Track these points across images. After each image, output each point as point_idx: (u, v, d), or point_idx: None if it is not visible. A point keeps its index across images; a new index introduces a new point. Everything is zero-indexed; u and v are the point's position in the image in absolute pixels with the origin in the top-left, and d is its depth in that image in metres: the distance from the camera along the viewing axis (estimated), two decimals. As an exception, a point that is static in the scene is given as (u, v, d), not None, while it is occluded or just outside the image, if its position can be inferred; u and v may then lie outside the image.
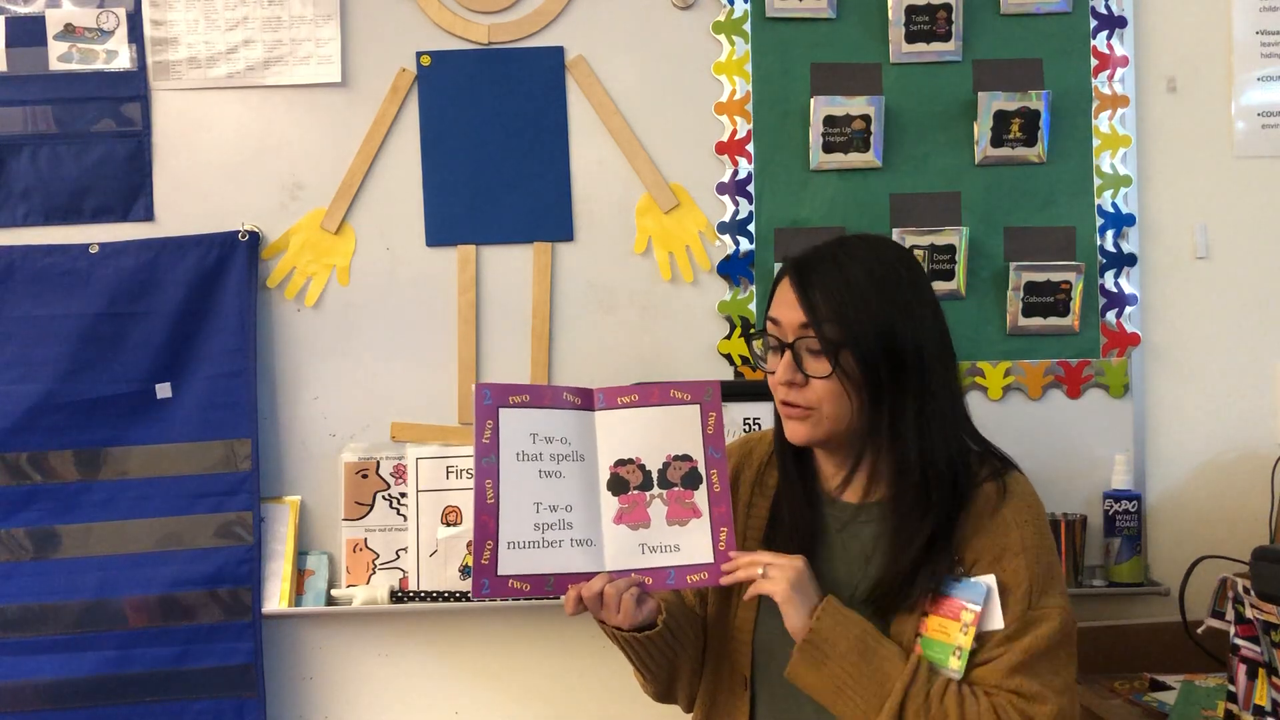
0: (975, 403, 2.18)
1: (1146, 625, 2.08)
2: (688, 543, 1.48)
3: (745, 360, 2.18)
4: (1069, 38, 2.20)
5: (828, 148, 2.17)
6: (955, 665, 1.38)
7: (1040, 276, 2.17)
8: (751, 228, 2.19)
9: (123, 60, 2.19)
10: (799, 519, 1.51)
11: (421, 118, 2.19)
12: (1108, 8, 2.20)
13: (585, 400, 1.53)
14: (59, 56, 2.18)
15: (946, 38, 2.18)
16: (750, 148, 2.19)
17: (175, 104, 2.20)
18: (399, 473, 2.16)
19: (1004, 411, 2.18)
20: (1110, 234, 2.19)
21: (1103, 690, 1.90)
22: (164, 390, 2.14)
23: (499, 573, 1.42)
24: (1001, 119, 2.16)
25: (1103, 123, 2.20)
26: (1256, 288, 2.22)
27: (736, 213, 2.19)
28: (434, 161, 2.19)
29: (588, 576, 1.44)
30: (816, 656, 1.39)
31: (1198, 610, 1.84)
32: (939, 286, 2.16)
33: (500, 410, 1.48)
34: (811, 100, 2.17)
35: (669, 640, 1.50)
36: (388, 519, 2.16)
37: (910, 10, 2.17)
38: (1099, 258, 2.19)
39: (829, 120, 2.17)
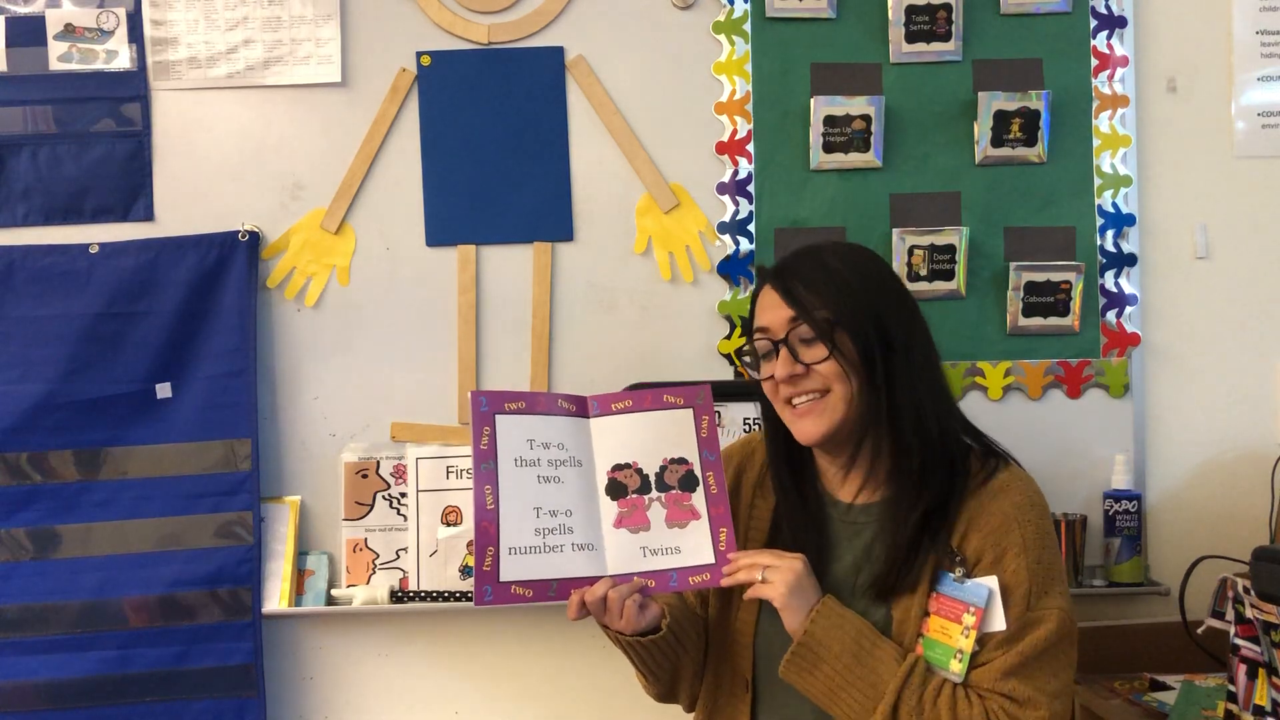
0: (975, 403, 2.18)
1: (1146, 625, 2.08)
2: (688, 544, 1.48)
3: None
4: (1069, 38, 2.19)
5: (828, 148, 2.17)
6: (956, 668, 1.38)
7: (1040, 276, 2.17)
8: (751, 228, 2.19)
9: (123, 60, 2.19)
10: (799, 529, 1.51)
11: (421, 118, 2.19)
12: (1108, 8, 2.20)
13: (579, 407, 1.54)
14: (59, 56, 2.18)
15: (946, 38, 2.18)
16: (750, 148, 2.19)
17: (175, 104, 2.20)
18: (399, 473, 2.16)
19: (1004, 411, 2.18)
20: (1110, 234, 2.19)
21: (1103, 690, 1.90)
22: (164, 390, 2.14)
23: (501, 578, 1.42)
24: (1001, 119, 2.16)
25: (1103, 123, 2.20)
26: (1256, 288, 2.22)
27: (736, 213, 2.19)
28: (434, 161, 2.19)
29: (590, 580, 1.44)
30: (810, 659, 1.39)
31: (1198, 610, 1.84)
32: (939, 286, 2.17)
33: (497, 417, 1.48)
34: (811, 100, 2.17)
35: (672, 643, 1.51)
36: (388, 519, 2.16)
37: (910, 10, 2.17)
38: (1099, 258, 2.19)
39: (829, 120, 2.17)
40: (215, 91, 2.20)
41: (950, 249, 2.17)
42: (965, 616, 1.39)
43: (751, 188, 2.19)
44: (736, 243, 2.19)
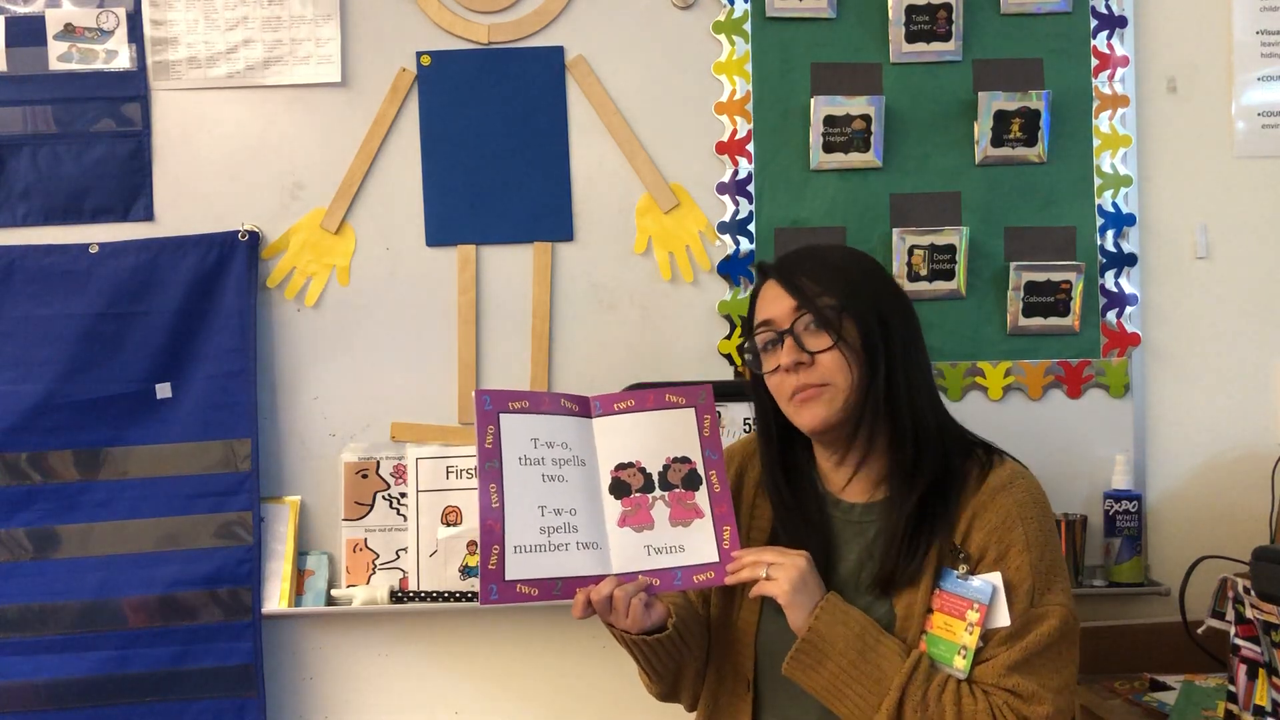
0: (975, 403, 2.18)
1: (1147, 625, 2.08)
2: (692, 543, 1.49)
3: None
4: (1069, 38, 2.19)
5: (828, 148, 2.17)
6: (960, 664, 1.38)
7: (1040, 276, 2.17)
8: (751, 228, 2.19)
9: (123, 60, 2.19)
10: (795, 531, 1.51)
11: (421, 118, 2.19)
12: (1108, 7, 2.20)
13: (582, 407, 1.54)
14: (59, 56, 2.18)
15: (946, 38, 2.18)
16: (750, 148, 2.19)
17: (175, 104, 2.20)
18: (399, 473, 2.16)
19: (1004, 411, 2.18)
20: (1110, 234, 2.19)
21: (1103, 690, 1.90)
22: (164, 390, 2.14)
23: (507, 577, 1.41)
24: (1002, 119, 2.16)
25: (1103, 123, 2.19)
26: (1256, 288, 2.22)
27: (736, 213, 2.19)
28: (434, 161, 2.19)
29: (595, 579, 1.44)
30: (815, 656, 1.39)
31: (1198, 610, 1.84)
32: (939, 286, 2.17)
33: (501, 416, 1.48)
34: (811, 100, 2.17)
35: (677, 643, 1.51)
36: (388, 519, 2.16)
37: (910, 10, 2.17)
38: (1099, 258, 2.19)
39: (829, 120, 2.17)
40: (215, 91, 2.20)
41: (950, 249, 2.17)
42: (969, 613, 1.39)
43: (751, 188, 2.19)
44: (736, 243, 2.19)
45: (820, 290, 1.46)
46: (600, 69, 2.19)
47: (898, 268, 2.16)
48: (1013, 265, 2.17)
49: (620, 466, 1.52)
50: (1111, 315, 2.19)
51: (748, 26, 2.19)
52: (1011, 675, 1.37)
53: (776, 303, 1.49)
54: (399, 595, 2.12)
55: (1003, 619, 1.39)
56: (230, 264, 2.15)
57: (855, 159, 2.17)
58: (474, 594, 2.11)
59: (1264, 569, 1.54)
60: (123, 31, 2.19)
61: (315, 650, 2.20)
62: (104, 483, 2.13)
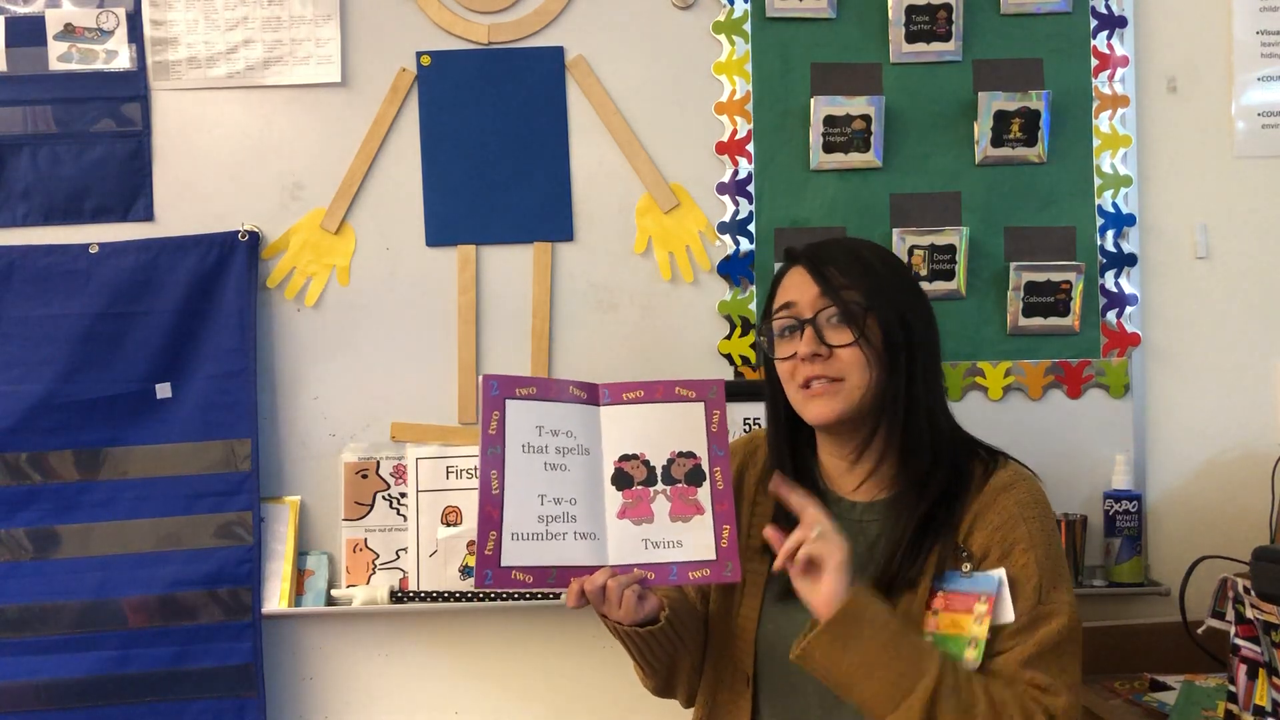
0: (975, 403, 2.18)
1: (1147, 625, 2.08)
2: (690, 539, 1.48)
3: (745, 360, 2.18)
4: (1069, 38, 2.19)
5: (828, 148, 2.17)
6: (972, 655, 1.37)
7: (1040, 276, 2.17)
8: (752, 228, 2.19)
9: (123, 60, 2.19)
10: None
11: (421, 118, 2.19)
12: (1108, 8, 2.20)
13: (590, 395, 1.53)
14: (59, 56, 2.18)
15: (946, 38, 2.18)
16: (750, 148, 2.19)
17: (175, 104, 2.20)
18: (399, 473, 2.16)
19: (1004, 411, 2.18)
20: (1110, 234, 2.19)
21: (1103, 690, 1.90)
22: (164, 390, 2.14)
23: (502, 564, 1.42)
24: (1001, 119, 2.16)
25: (1103, 123, 2.19)
26: (1256, 288, 2.22)
27: (736, 213, 2.19)
28: (434, 161, 2.19)
29: (591, 570, 1.44)
30: (851, 628, 1.33)
31: (1198, 610, 1.84)
32: (939, 286, 2.16)
33: (507, 401, 1.48)
34: (811, 100, 2.17)
35: (671, 636, 1.50)
36: (388, 519, 2.16)
37: (910, 10, 2.17)
38: (1099, 258, 2.19)
39: (829, 120, 2.17)
40: (215, 91, 2.20)
41: (950, 249, 2.17)
42: (977, 606, 1.38)
43: (751, 188, 2.19)
44: (736, 243, 2.19)
45: (847, 283, 1.45)
46: (600, 69, 2.19)
47: (898, 268, 2.16)
48: (1013, 265, 2.17)
49: (624, 458, 1.51)
50: (1111, 315, 2.19)
51: (748, 26, 2.19)
52: (1028, 669, 1.36)
53: (802, 289, 1.48)
54: (399, 595, 2.12)
55: (1008, 614, 1.38)
56: (230, 264, 2.15)
57: (855, 159, 2.17)
58: (475, 594, 2.11)
59: (1264, 569, 1.54)
60: (123, 31, 2.19)
61: (315, 650, 2.20)
62: (104, 483, 2.13)
